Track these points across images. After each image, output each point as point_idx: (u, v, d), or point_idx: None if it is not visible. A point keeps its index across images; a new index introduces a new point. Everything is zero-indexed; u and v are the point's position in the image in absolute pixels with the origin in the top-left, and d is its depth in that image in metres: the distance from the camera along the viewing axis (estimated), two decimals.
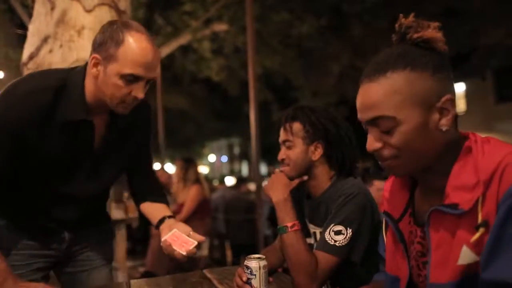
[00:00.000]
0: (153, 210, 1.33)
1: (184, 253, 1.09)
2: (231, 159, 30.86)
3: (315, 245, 1.29)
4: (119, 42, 1.05)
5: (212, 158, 31.54)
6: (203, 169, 29.18)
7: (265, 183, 1.41)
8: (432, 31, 0.74)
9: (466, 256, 0.69)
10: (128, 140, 1.28)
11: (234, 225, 4.96)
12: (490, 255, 0.64)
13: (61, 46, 1.88)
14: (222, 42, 7.59)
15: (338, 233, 1.17)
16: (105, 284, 1.34)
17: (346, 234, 1.17)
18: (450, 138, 0.75)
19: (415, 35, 0.74)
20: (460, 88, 17.55)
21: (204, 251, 3.79)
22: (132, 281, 1.31)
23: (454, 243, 0.70)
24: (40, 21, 1.87)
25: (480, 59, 11.76)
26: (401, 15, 0.76)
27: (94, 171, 1.23)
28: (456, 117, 0.75)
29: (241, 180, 6.65)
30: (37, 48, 1.86)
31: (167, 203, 1.37)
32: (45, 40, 1.86)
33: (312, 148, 1.29)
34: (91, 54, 1.09)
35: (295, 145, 1.29)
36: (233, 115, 15.43)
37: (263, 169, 19.96)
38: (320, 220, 1.29)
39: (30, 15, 2.13)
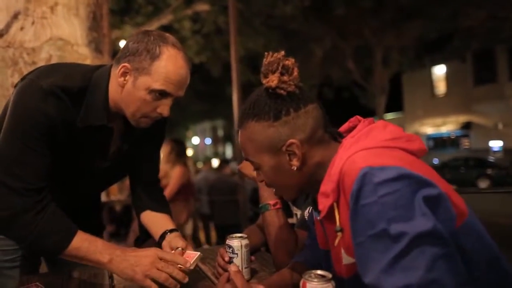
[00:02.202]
0: (154, 222, 1.27)
1: (191, 267, 1.04)
2: (215, 141, 30.80)
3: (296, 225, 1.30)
4: (155, 56, 1.00)
5: (196, 140, 31.41)
6: (187, 152, 28.99)
7: (241, 164, 1.40)
8: (274, 78, 0.78)
9: (345, 257, 0.76)
10: (141, 148, 1.25)
11: (218, 206, 4.99)
12: (358, 263, 0.69)
13: (33, 23, 1.79)
14: (203, 22, 7.44)
15: None
16: (87, 266, 1.33)
17: None
18: (313, 168, 0.82)
19: (263, 81, 0.81)
20: (440, 70, 17.82)
21: (188, 231, 3.81)
22: None
23: (338, 246, 0.77)
24: None
25: (461, 41, 11.92)
26: (266, 54, 0.81)
27: (103, 173, 1.20)
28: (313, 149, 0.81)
29: (224, 162, 6.66)
30: (7, 25, 1.76)
31: (169, 213, 1.31)
32: (15, 16, 1.77)
33: None
34: (119, 62, 1.04)
35: None
36: (216, 97, 15.32)
37: None
38: (302, 202, 1.31)
39: None
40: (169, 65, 1.01)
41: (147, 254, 0.99)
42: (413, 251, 0.62)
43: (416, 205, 0.64)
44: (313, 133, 0.81)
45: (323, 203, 0.76)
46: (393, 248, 0.63)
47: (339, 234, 0.73)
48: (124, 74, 1.03)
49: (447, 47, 12.87)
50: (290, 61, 0.79)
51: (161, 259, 0.99)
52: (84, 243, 1.00)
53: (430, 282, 0.60)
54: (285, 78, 0.79)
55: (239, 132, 0.87)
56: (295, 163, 0.80)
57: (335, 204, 0.74)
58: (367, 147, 0.74)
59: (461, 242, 0.68)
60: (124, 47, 1.05)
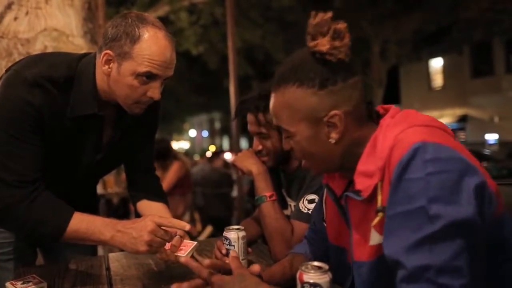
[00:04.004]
0: (150, 211, 1.25)
1: (186, 255, 1.03)
2: (212, 133, 30.73)
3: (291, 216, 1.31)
4: (134, 39, 0.97)
5: (192, 133, 31.33)
6: (184, 144, 28.99)
7: (232, 158, 1.39)
8: (325, 42, 0.72)
9: (374, 237, 0.73)
10: (135, 135, 1.23)
11: (208, 198, 5.01)
12: (385, 234, 0.68)
13: (27, 13, 1.77)
14: (200, 13, 7.37)
15: (311, 201, 1.20)
16: (84, 258, 1.33)
17: None
18: (350, 143, 0.78)
19: (311, 45, 0.74)
20: (437, 63, 17.80)
21: None
22: (110, 255, 1.31)
23: (366, 226, 0.75)
24: None
25: (459, 33, 11.88)
26: (312, 13, 0.74)
27: (97, 164, 1.19)
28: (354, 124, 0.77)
29: (215, 154, 6.66)
30: (1, 15, 1.74)
31: (166, 203, 1.30)
32: (8, 6, 1.74)
33: None
34: (101, 49, 1.01)
35: (270, 136, 1.26)
36: (213, 89, 15.24)
37: (244, 143, 19.97)
38: (295, 194, 1.32)
39: None
40: (151, 46, 0.98)
41: (146, 224, 0.96)
42: (445, 236, 0.61)
43: (461, 191, 0.62)
44: (356, 108, 0.77)
45: (364, 183, 0.73)
46: (426, 228, 0.62)
47: (380, 214, 0.70)
48: (107, 61, 1.01)
49: (445, 40, 12.85)
50: (342, 25, 0.72)
51: (159, 225, 0.97)
52: (82, 224, 0.99)
53: (451, 269, 0.60)
54: (337, 43, 0.72)
55: (273, 94, 0.80)
56: (334, 136, 0.76)
57: (379, 184, 0.71)
58: (417, 124, 0.71)
59: (499, 230, 0.68)
60: (104, 33, 1.02)
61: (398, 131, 0.70)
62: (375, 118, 0.81)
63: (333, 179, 0.90)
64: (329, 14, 0.73)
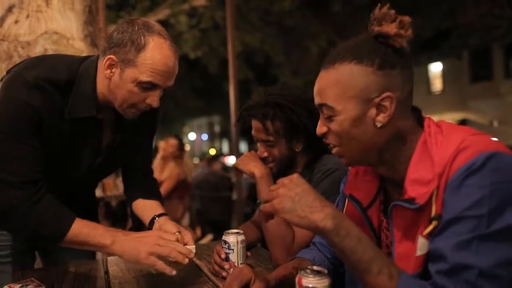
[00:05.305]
0: (144, 208, 1.27)
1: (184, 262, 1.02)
2: (212, 137, 30.74)
3: None
4: (140, 47, 0.98)
5: (192, 136, 31.35)
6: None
7: (234, 161, 1.40)
8: (393, 27, 0.73)
9: (422, 246, 0.71)
10: (133, 138, 1.24)
11: (207, 201, 5.02)
12: (436, 234, 0.67)
13: (28, 16, 1.77)
14: (200, 17, 7.40)
15: None
16: (82, 261, 1.33)
17: None
18: (393, 132, 0.76)
19: (376, 29, 0.75)
20: (437, 67, 17.85)
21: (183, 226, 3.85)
22: (109, 258, 1.30)
23: (413, 236, 0.73)
24: None
25: (459, 37, 11.92)
26: (379, 4, 0.76)
27: (97, 167, 1.19)
28: (403, 111, 0.76)
29: (213, 158, 6.67)
30: (1, 19, 1.74)
31: (160, 200, 1.31)
32: (9, 9, 1.75)
33: (294, 141, 1.28)
34: (105, 53, 1.02)
35: (277, 144, 1.27)
36: (213, 92, 15.25)
37: (243, 147, 19.97)
38: None
39: None
40: (155, 56, 0.99)
41: (150, 235, 0.99)
42: (496, 239, 0.61)
43: None
44: (407, 98, 0.76)
45: (418, 190, 0.71)
46: (479, 230, 0.61)
47: (434, 222, 0.68)
48: (110, 66, 1.02)
49: (444, 45, 12.89)
50: (407, 18, 0.74)
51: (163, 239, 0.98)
52: (83, 229, 1.00)
53: (492, 275, 0.60)
54: (402, 31, 0.73)
55: (323, 72, 0.80)
56: (381, 119, 0.75)
57: (435, 191, 0.69)
58: (478, 133, 0.71)
59: None
60: (109, 37, 1.03)
61: (460, 138, 0.69)
62: (417, 117, 0.81)
63: (358, 189, 0.88)
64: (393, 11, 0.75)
